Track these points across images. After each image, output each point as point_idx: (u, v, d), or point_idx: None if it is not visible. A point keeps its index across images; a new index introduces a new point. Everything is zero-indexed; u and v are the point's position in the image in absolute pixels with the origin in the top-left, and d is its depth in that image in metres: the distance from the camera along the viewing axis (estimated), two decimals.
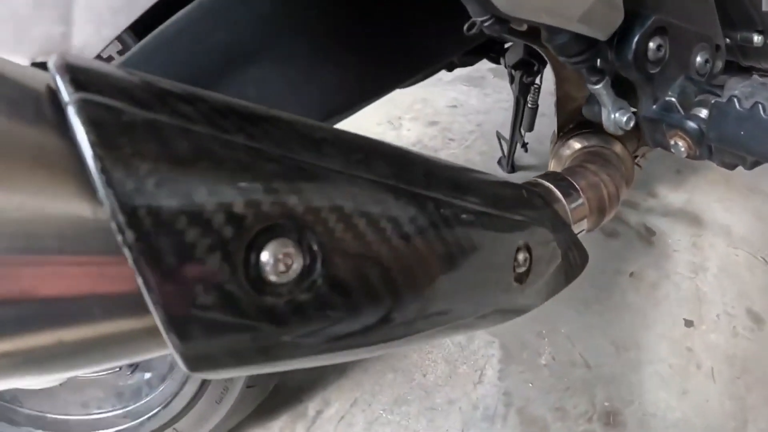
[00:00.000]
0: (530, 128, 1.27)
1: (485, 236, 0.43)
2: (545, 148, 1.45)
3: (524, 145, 1.39)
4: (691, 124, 0.59)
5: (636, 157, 1.10)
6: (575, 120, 0.91)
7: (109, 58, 0.66)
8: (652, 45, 0.56)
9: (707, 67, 0.61)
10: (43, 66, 0.27)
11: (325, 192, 0.29)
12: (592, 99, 0.65)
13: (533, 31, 0.57)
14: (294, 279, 0.27)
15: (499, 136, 1.48)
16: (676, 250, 1.32)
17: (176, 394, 0.98)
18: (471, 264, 0.40)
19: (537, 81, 1.19)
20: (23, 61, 0.46)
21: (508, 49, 1.07)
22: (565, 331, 1.19)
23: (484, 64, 1.25)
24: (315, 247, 0.28)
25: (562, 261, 0.60)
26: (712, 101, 0.56)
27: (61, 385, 1.08)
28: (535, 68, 1.12)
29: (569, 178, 0.75)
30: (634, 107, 0.63)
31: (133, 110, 0.24)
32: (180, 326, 0.24)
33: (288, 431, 1.14)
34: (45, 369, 0.27)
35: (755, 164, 0.59)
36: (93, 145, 0.23)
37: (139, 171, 0.23)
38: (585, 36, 0.52)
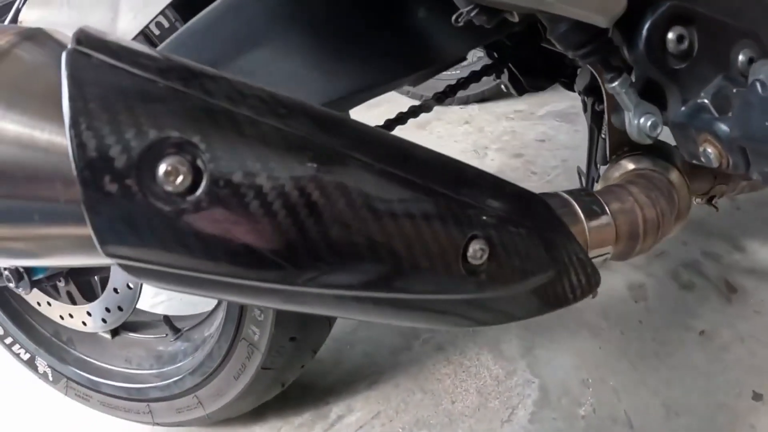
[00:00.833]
0: (605, 161, 1.18)
1: (418, 209, 0.41)
2: None
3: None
4: (721, 125, 0.51)
5: (712, 197, 0.98)
6: (629, 142, 0.83)
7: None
8: (671, 35, 0.50)
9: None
10: None
11: (227, 129, 0.35)
12: (616, 105, 0.59)
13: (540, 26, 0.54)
14: (179, 189, 0.33)
15: (579, 172, 1.40)
16: (758, 312, 1.14)
17: (202, 363, 1.02)
18: (386, 228, 0.39)
19: None
20: None
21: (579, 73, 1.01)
22: (614, 384, 1.07)
23: (580, 100, 1.19)
24: (202, 168, 0.33)
25: (554, 277, 0.55)
26: (736, 91, 0.49)
27: (112, 339, 1.18)
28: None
29: (597, 196, 0.69)
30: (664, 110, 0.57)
31: (99, 56, 0.33)
32: (93, 205, 0.32)
33: (306, 428, 1.13)
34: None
35: None
36: (67, 76, 0.32)
37: (87, 94, 0.32)
38: (587, 24, 0.48)
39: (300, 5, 0.61)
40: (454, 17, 0.50)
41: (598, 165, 1.25)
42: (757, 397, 0.99)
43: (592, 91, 1.06)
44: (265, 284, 0.37)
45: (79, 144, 0.31)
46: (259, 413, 1.16)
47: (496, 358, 1.19)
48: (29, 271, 0.92)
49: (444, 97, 1.10)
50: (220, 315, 1.04)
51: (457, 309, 0.49)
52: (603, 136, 1.16)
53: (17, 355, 1.20)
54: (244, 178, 0.34)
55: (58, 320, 1.14)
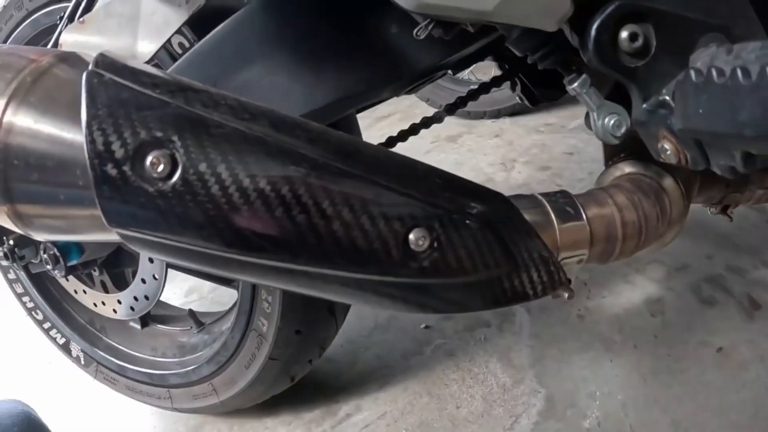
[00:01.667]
0: None
1: (355, 196, 0.47)
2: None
3: None
4: (673, 119, 0.51)
5: (726, 206, 0.95)
6: (627, 149, 0.83)
7: None
8: (624, 34, 0.51)
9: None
10: None
11: (197, 131, 0.44)
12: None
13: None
14: (161, 176, 0.43)
15: None
16: None
17: (217, 353, 1.08)
18: (330, 214, 0.46)
19: None
20: None
21: None
22: (622, 398, 1.05)
23: None
24: (178, 160, 0.43)
25: (508, 271, 0.56)
26: (674, 82, 0.49)
27: (142, 329, 1.26)
28: None
29: (573, 198, 0.70)
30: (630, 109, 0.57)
31: (109, 75, 0.44)
32: (99, 186, 0.42)
33: (315, 425, 1.17)
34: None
35: (747, 160, 0.48)
36: (85, 91, 0.43)
37: (99, 104, 0.43)
38: (535, 29, 0.49)
39: (283, 26, 0.70)
40: (414, 31, 0.53)
41: None
42: None
43: None
44: (227, 253, 0.45)
45: (90, 140, 0.42)
46: (272, 408, 1.21)
47: (504, 366, 1.19)
48: (64, 256, 1.01)
49: (454, 108, 1.12)
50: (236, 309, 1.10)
51: (404, 292, 0.51)
52: None
53: (54, 339, 1.31)
54: (208, 168, 0.43)
55: (92, 307, 1.24)
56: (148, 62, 0.75)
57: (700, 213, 1.12)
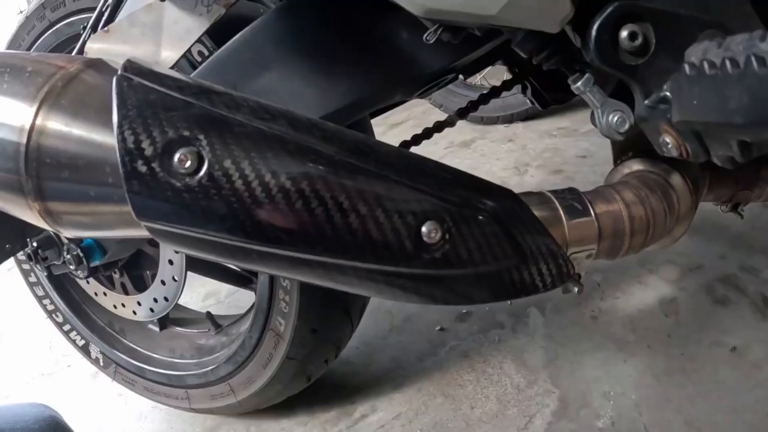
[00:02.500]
0: None
1: (369, 190, 0.50)
2: None
3: None
4: (672, 114, 0.54)
5: (737, 204, 0.97)
6: (634, 147, 0.85)
7: None
8: (623, 34, 0.53)
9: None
10: None
11: (220, 130, 0.48)
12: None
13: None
14: (188, 171, 0.46)
15: None
16: None
17: (235, 353, 1.11)
18: (346, 208, 0.49)
19: None
20: None
21: None
22: (636, 398, 1.06)
23: None
24: (204, 157, 0.47)
25: (518, 263, 0.59)
26: (671, 77, 0.51)
27: (160, 331, 1.30)
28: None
29: (581, 194, 0.72)
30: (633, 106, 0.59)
31: (138, 79, 0.47)
32: (130, 182, 0.46)
33: (331, 424, 1.20)
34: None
35: (744, 149, 0.50)
36: (115, 93, 0.46)
37: (129, 106, 0.46)
38: (539, 31, 0.52)
39: (298, 34, 0.74)
40: (424, 36, 0.56)
41: None
42: None
43: None
44: (248, 244, 0.48)
45: (121, 139, 0.45)
46: (289, 408, 1.24)
47: (518, 367, 1.21)
48: (87, 256, 1.05)
49: (466, 112, 1.15)
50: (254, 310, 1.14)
51: (416, 283, 0.54)
52: None
53: (73, 341, 1.35)
54: (232, 164, 0.47)
55: (112, 309, 1.28)
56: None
57: (713, 213, 1.13)
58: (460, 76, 1.16)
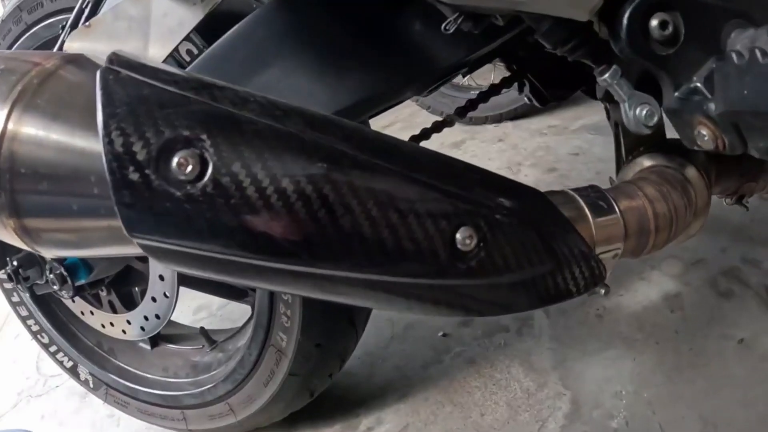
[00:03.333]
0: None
1: (400, 197, 0.46)
2: None
3: None
4: (710, 105, 0.53)
5: (742, 196, 0.97)
6: (645, 142, 0.85)
7: None
8: (654, 23, 0.52)
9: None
10: None
11: (226, 129, 0.42)
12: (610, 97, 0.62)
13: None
14: (189, 178, 0.40)
15: (611, 182, 1.40)
16: None
17: (233, 371, 1.07)
18: (371, 214, 0.44)
19: None
20: None
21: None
22: (648, 396, 1.06)
23: None
24: (208, 160, 0.40)
25: (554, 269, 0.57)
26: (714, 66, 0.50)
27: (152, 349, 1.25)
28: None
29: (605, 192, 0.71)
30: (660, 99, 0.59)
31: (126, 72, 0.41)
32: (119, 192, 0.39)
33: None
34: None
35: None
36: (100, 88, 0.39)
37: (116, 103, 0.40)
38: (568, 19, 0.51)
39: (301, 26, 0.70)
40: (443, 25, 0.54)
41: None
42: None
43: (611, 97, 1.08)
44: (264, 261, 0.43)
45: (108, 141, 0.39)
46: (291, 423, 1.21)
47: (527, 370, 1.19)
48: (72, 275, 1.00)
49: (465, 111, 1.14)
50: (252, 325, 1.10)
51: (450, 295, 0.52)
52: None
53: (61, 363, 1.30)
54: (243, 167, 0.40)
55: (100, 329, 1.23)
56: None
57: (713, 206, 1.14)
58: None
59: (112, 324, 1.20)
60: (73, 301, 1.22)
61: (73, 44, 0.78)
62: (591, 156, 1.71)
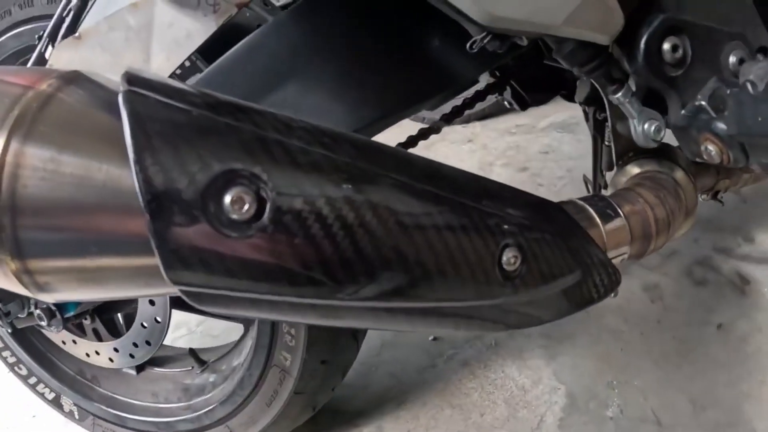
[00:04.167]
0: (610, 167, 1.25)
1: (455, 222, 0.47)
2: None
3: (606, 186, 1.37)
4: (719, 124, 0.59)
5: (717, 192, 1.05)
6: (634, 147, 0.91)
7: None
8: (666, 46, 0.57)
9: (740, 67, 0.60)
10: None
11: (284, 160, 0.39)
12: (618, 112, 0.67)
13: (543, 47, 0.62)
14: (247, 218, 0.37)
15: (585, 180, 1.46)
16: None
17: (233, 393, 1.07)
18: (434, 243, 0.45)
19: None
20: None
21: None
22: (639, 384, 1.13)
23: (579, 110, 1.27)
24: (265, 196, 0.37)
25: (580, 278, 0.61)
26: (729, 92, 0.56)
27: (137, 374, 1.23)
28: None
29: (611, 200, 0.76)
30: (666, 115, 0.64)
31: (155, 96, 0.37)
32: (161, 235, 0.35)
33: None
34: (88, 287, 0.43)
35: None
36: (128, 115, 0.35)
37: (150, 132, 0.36)
38: (589, 42, 0.55)
39: (318, 40, 0.69)
40: (468, 44, 0.57)
41: (604, 171, 1.33)
42: None
43: (593, 101, 1.14)
44: (325, 301, 0.41)
45: (145, 178, 0.35)
46: None
47: (520, 368, 1.25)
48: (61, 308, 0.97)
49: (452, 117, 1.17)
50: (249, 344, 1.10)
51: (496, 314, 0.55)
52: (607, 143, 1.24)
53: (41, 395, 1.25)
54: (304, 203, 0.38)
55: (84, 358, 1.20)
56: None
57: None
58: None
59: (97, 352, 1.17)
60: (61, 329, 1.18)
61: (60, 56, 0.72)
62: (561, 154, 1.79)
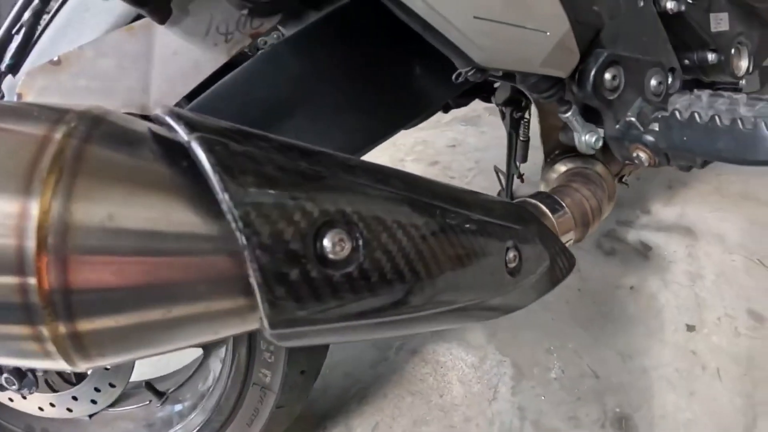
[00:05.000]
0: (524, 159, 1.42)
1: (480, 236, 0.58)
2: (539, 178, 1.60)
3: (520, 176, 1.54)
4: (648, 138, 0.75)
5: (622, 176, 1.25)
6: (560, 146, 1.07)
7: None
8: (607, 76, 0.72)
9: (661, 89, 0.77)
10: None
11: (364, 200, 0.45)
12: (567, 126, 0.81)
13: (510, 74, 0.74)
14: (345, 257, 0.42)
15: (496, 170, 1.63)
16: (672, 261, 1.45)
17: (208, 420, 1.09)
18: (470, 255, 0.55)
19: (526, 115, 1.35)
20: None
21: (497, 88, 1.23)
22: (572, 346, 1.32)
23: (479, 104, 1.41)
24: (359, 237, 0.43)
25: (550, 264, 0.74)
26: (660, 116, 0.72)
27: (90, 417, 1.20)
28: (523, 104, 1.29)
29: (555, 196, 0.90)
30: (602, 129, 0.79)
31: (233, 144, 0.39)
32: (268, 282, 0.37)
33: None
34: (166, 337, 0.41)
35: (705, 163, 0.74)
36: (213, 166, 0.37)
37: (245, 183, 0.38)
38: (550, 76, 0.68)
39: (317, 68, 0.72)
40: (454, 76, 0.67)
41: (518, 163, 1.50)
42: (690, 328, 1.28)
43: (510, 103, 1.29)
44: (403, 316, 0.48)
45: (253, 232, 0.36)
46: None
47: (466, 348, 1.38)
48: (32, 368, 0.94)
49: None
50: (216, 368, 1.13)
51: (500, 303, 0.66)
52: (522, 138, 1.41)
53: None
54: (389, 238, 0.45)
55: (37, 412, 1.15)
56: None
57: None
58: None
59: (52, 404, 1.13)
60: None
61: (33, 83, 0.64)
62: (467, 147, 1.95)
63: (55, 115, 0.40)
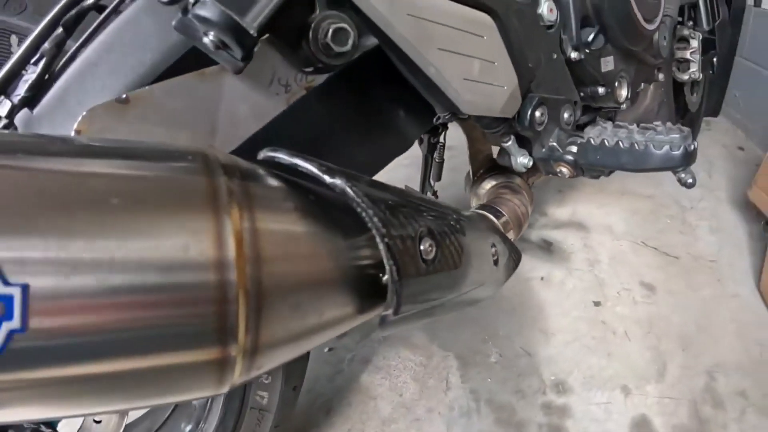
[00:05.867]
0: (439, 178, 1.66)
1: (481, 236, 0.79)
2: (450, 194, 1.86)
3: (434, 193, 1.78)
4: (568, 158, 1.02)
5: (530, 185, 1.54)
6: (484, 166, 1.32)
7: None
8: (537, 114, 0.97)
9: (571, 119, 1.04)
10: None
11: (433, 220, 0.65)
12: (503, 151, 1.05)
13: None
14: (431, 258, 0.61)
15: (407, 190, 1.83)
16: (572, 252, 1.78)
17: None
18: (479, 251, 0.76)
19: (441, 140, 1.59)
20: None
21: None
22: (503, 333, 1.57)
23: None
24: (437, 242, 0.63)
25: (509, 255, 0.97)
26: (578, 141, 0.99)
27: None
28: (439, 131, 1.53)
29: (494, 206, 1.15)
30: (530, 152, 1.05)
31: (358, 183, 0.55)
32: (405, 282, 0.55)
33: None
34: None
35: (610, 172, 1.03)
36: (362, 198, 0.54)
37: (386, 215, 0.56)
38: (500, 117, 0.91)
39: (336, 112, 0.83)
40: (434, 119, 0.87)
41: (433, 182, 1.74)
42: (597, 303, 1.60)
43: (429, 130, 1.53)
44: (460, 293, 0.68)
45: (394, 245, 0.54)
46: None
47: (413, 349, 1.57)
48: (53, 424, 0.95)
49: None
50: (198, 404, 1.20)
51: (491, 283, 0.88)
52: (437, 160, 1.65)
53: None
54: (450, 242, 0.65)
55: None
56: None
57: None
58: None
59: None
60: None
61: (93, 122, 0.62)
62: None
63: (201, 188, 0.45)
